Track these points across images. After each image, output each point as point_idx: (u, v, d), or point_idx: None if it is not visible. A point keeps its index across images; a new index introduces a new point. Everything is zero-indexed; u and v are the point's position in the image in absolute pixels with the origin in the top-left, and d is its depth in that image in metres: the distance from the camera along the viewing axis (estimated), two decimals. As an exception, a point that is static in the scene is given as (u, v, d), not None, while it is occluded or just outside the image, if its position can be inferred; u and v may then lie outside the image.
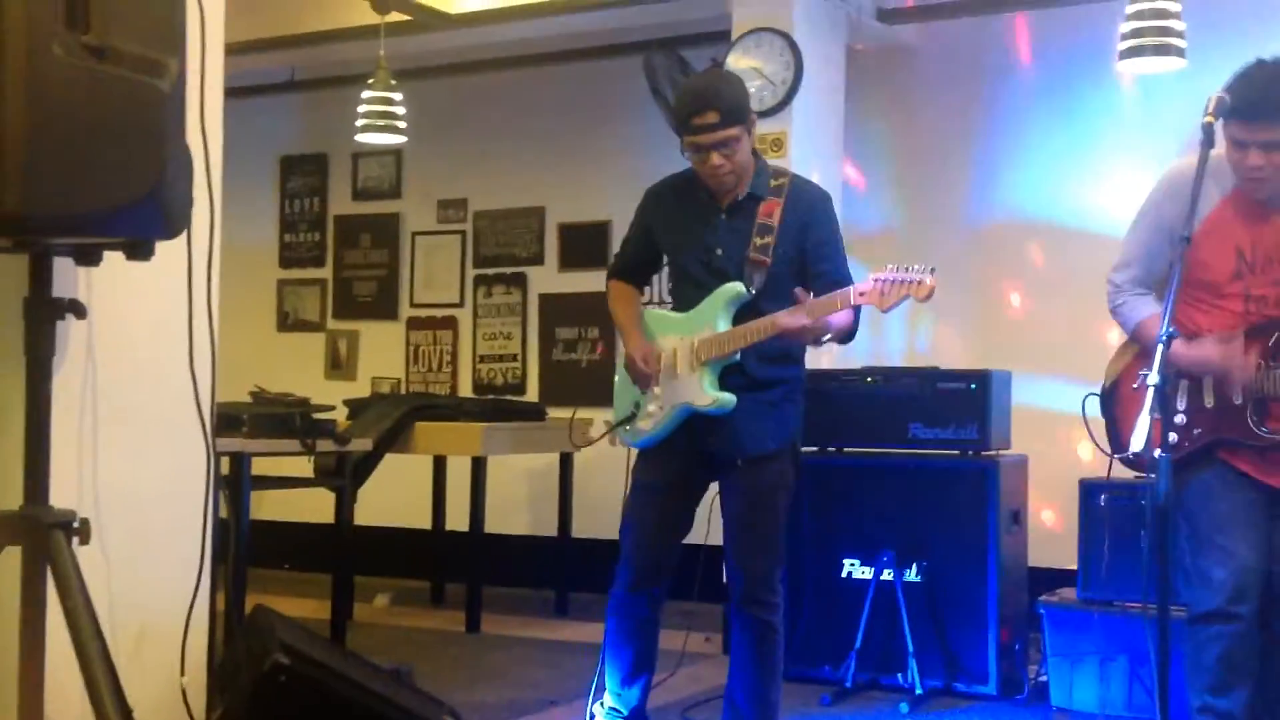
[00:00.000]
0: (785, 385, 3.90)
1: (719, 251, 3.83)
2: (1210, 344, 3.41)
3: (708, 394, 3.79)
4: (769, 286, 3.76)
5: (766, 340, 3.75)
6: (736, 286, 3.79)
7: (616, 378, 4.08)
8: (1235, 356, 3.38)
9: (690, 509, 3.97)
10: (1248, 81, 3.30)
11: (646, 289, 4.26)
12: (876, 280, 3.64)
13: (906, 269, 3.61)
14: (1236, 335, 3.40)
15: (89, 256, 2.64)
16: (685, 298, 3.91)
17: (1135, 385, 3.09)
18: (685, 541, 3.95)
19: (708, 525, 4.00)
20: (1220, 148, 3.34)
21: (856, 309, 3.76)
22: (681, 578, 4.10)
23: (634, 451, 4.00)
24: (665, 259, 4.06)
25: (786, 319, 3.66)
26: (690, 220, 3.90)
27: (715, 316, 3.81)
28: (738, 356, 3.78)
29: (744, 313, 3.79)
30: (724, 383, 3.80)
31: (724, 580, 4.07)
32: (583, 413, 5.00)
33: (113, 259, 2.64)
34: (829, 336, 3.76)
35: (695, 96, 3.79)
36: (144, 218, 2.47)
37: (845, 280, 3.77)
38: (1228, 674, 3.41)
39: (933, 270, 3.60)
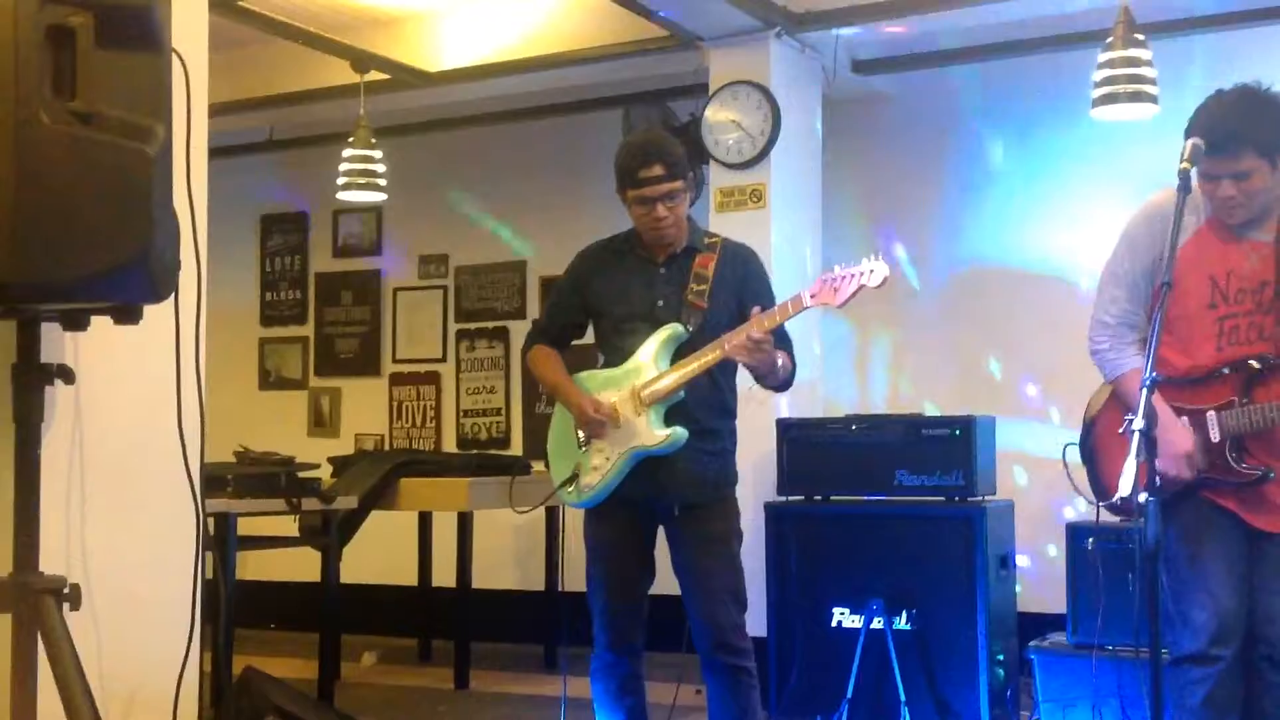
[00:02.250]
0: (724, 436, 3.95)
1: (660, 303, 3.89)
2: (1179, 430, 3.41)
3: (657, 432, 3.80)
4: (705, 329, 3.81)
5: (707, 388, 3.80)
6: (675, 327, 3.84)
7: (549, 443, 4.07)
8: (1187, 460, 3.40)
9: (649, 557, 3.96)
10: (1210, 115, 3.33)
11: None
12: (824, 279, 3.71)
13: (856, 262, 3.67)
14: (1193, 455, 3.41)
15: (77, 322, 2.64)
16: (620, 351, 3.92)
17: (1121, 430, 3.09)
18: (671, 594, 3.94)
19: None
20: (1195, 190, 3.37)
21: (793, 363, 3.86)
22: (669, 630, 4.09)
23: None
24: (595, 321, 4.05)
25: (736, 336, 3.67)
26: (629, 276, 3.95)
27: (655, 359, 3.84)
28: (682, 395, 3.80)
29: (681, 354, 3.83)
30: (671, 424, 3.82)
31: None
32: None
33: (100, 323, 2.64)
34: (772, 369, 3.76)
35: (640, 151, 3.88)
36: (132, 282, 2.47)
37: (782, 331, 3.83)
38: (1212, 716, 3.41)
39: (879, 255, 3.65)
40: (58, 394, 2.81)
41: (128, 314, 2.59)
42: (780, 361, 3.77)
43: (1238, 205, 3.38)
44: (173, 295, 2.65)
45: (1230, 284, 3.45)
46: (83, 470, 3.04)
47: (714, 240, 3.97)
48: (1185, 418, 3.46)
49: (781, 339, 3.83)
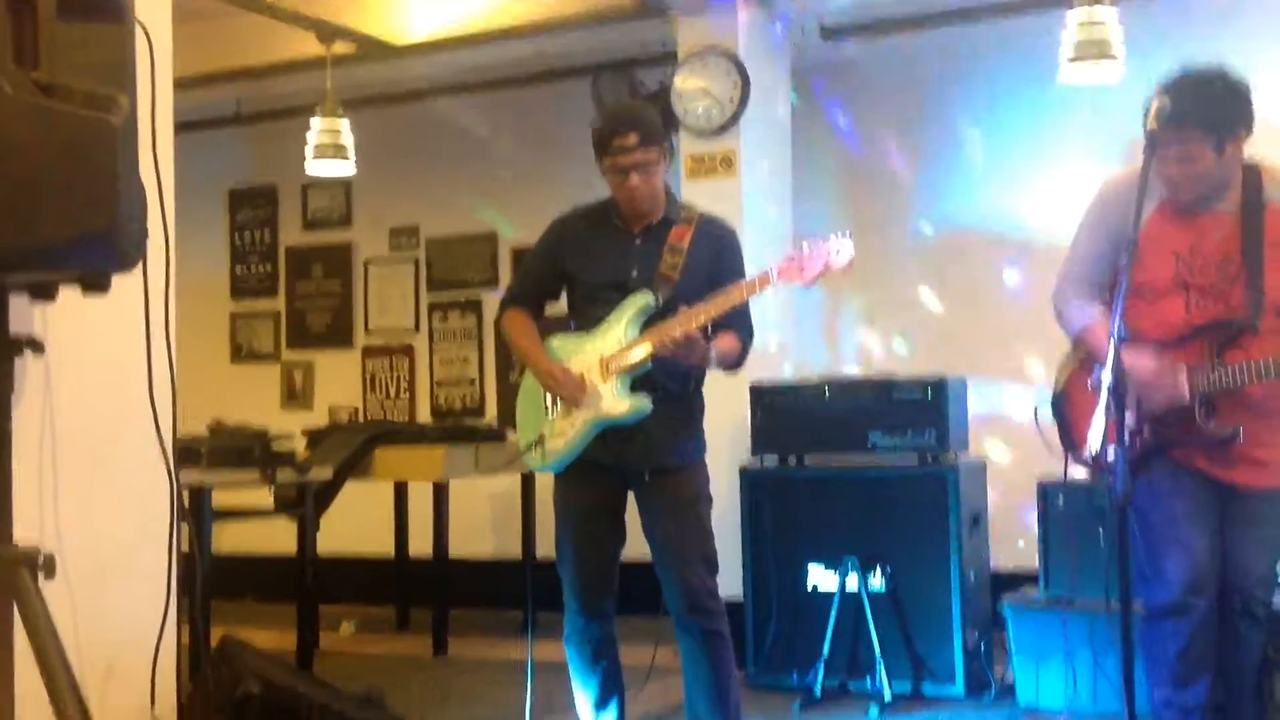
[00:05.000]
0: (692, 402, 3.96)
1: (634, 273, 3.89)
2: (1148, 355, 3.44)
3: (622, 402, 3.82)
4: (675, 301, 3.81)
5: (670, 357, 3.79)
6: (645, 296, 3.84)
7: (518, 407, 4.08)
8: (1165, 376, 3.42)
9: (619, 522, 3.98)
10: (1169, 90, 3.33)
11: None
12: (791, 257, 3.73)
13: (823, 239, 3.68)
14: (1179, 367, 3.44)
15: (45, 292, 2.62)
16: (591, 319, 3.93)
17: (1091, 386, 3.12)
18: (647, 559, 3.97)
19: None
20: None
21: (744, 345, 3.89)
22: (646, 594, 4.11)
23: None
24: (568, 287, 4.05)
25: (677, 322, 3.69)
26: (605, 245, 3.96)
27: (623, 328, 3.85)
28: (649, 366, 3.80)
29: (650, 324, 3.83)
30: (635, 394, 3.83)
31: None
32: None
33: (69, 294, 2.64)
34: (714, 356, 3.78)
35: (616, 119, 3.89)
36: (99, 251, 2.46)
37: (748, 309, 3.85)
38: (1188, 668, 3.45)
39: (848, 234, 3.67)
40: (27, 365, 2.80)
41: (96, 283, 2.57)
42: (720, 351, 3.78)
43: (1180, 186, 3.42)
44: (141, 266, 2.64)
45: (1194, 259, 3.49)
46: (55, 442, 3.04)
47: (690, 214, 3.97)
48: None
49: (739, 317, 3.85)
